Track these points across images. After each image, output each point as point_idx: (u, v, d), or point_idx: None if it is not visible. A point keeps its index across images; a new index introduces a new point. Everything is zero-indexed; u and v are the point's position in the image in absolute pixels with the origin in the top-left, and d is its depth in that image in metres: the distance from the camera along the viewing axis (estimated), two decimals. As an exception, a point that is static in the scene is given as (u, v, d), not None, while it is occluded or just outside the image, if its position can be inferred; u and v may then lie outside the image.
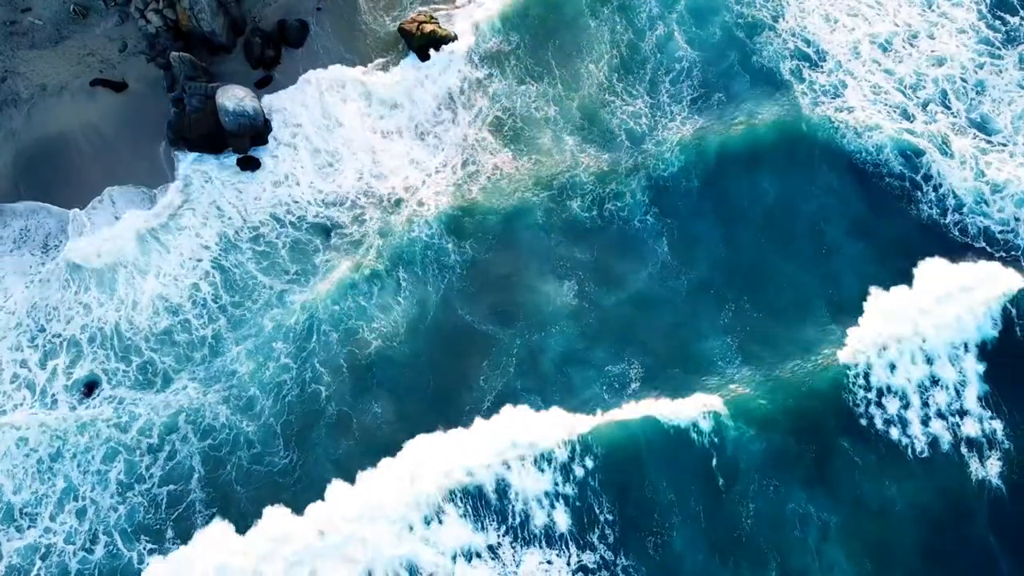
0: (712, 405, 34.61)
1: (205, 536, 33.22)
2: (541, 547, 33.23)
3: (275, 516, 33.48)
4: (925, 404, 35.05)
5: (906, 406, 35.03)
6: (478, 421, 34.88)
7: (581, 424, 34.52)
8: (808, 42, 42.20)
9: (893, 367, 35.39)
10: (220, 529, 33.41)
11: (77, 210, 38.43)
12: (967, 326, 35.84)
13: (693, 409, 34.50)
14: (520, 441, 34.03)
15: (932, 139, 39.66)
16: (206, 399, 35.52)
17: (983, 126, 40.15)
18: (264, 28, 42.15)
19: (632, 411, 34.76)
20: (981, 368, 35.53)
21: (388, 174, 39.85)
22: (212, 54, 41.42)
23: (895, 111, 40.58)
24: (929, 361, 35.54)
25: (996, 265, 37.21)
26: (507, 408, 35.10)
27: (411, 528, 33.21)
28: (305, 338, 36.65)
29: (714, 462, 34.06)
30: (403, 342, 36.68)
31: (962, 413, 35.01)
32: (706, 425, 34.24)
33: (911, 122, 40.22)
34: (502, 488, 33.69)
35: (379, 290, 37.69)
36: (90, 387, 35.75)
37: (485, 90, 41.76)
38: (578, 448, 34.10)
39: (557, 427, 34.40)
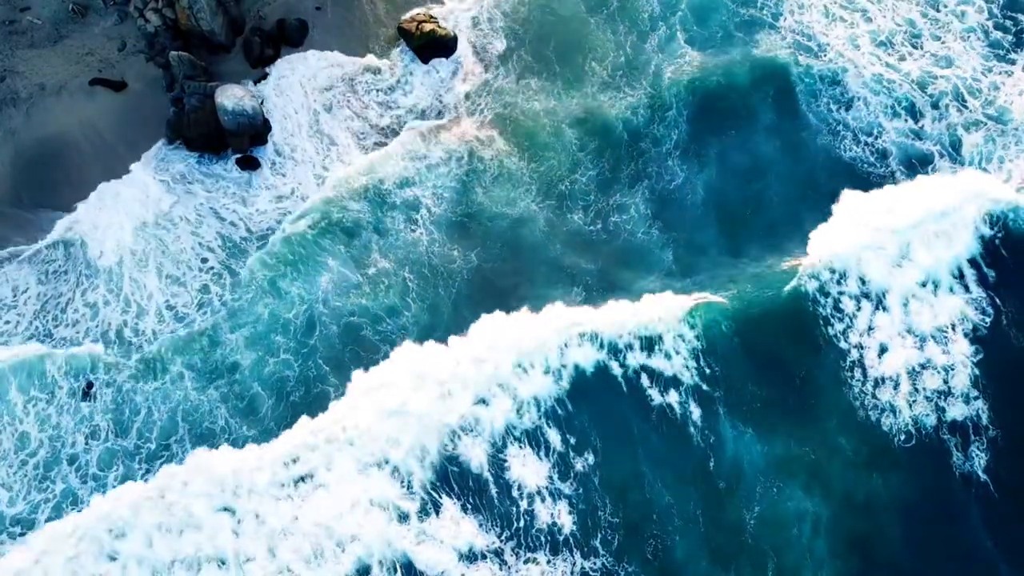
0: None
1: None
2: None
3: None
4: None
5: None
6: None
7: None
8: (809, 36, 42.58)
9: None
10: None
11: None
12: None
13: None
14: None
15: (940, 140, 39.95)
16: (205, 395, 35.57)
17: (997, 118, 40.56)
18: (264, 27, 42.05)
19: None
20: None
21: (386, 176, 39.75)
22: (211, 53, 41.26)
23: (899, 105, 40.86)
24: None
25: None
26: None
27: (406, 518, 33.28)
28: (306, 333, 36.55)
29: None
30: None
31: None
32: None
33: (917, 121, 40.51)
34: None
35: (385, 290, 37.58)
36: (89, 385, 35.66)
37: (486, 88, 41.68)
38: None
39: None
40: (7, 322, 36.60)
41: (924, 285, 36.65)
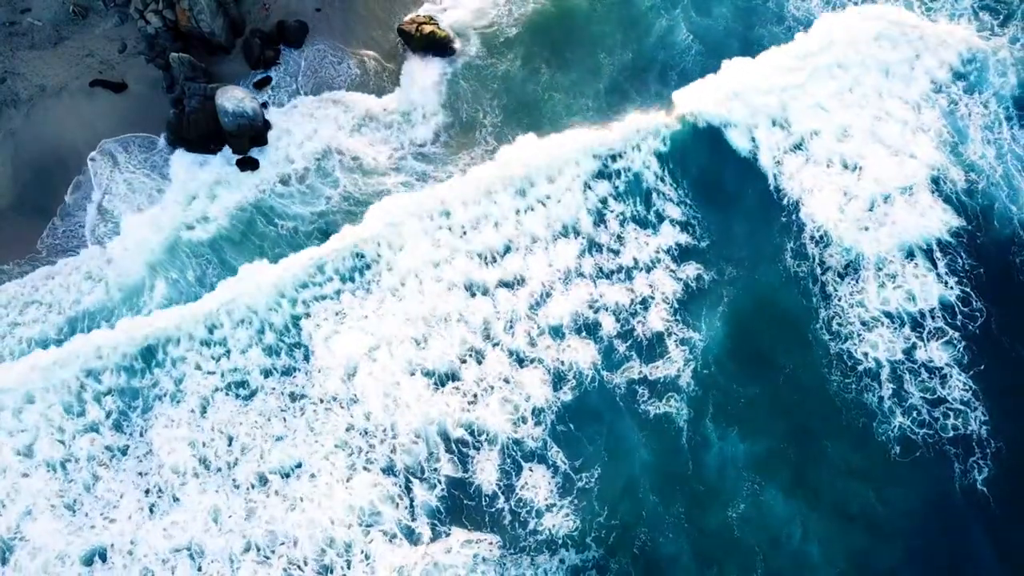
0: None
1: None
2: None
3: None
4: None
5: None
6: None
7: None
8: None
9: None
10: None
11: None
12: None
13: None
14: None
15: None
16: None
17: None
18: (263, 28, 42.13)
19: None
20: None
21: (387, 180, 40.02)
22: (211, 54, 41.38)
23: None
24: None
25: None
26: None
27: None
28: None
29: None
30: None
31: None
32: None
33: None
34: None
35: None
36: None
37: (488, 86, 41.77)
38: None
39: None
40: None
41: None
